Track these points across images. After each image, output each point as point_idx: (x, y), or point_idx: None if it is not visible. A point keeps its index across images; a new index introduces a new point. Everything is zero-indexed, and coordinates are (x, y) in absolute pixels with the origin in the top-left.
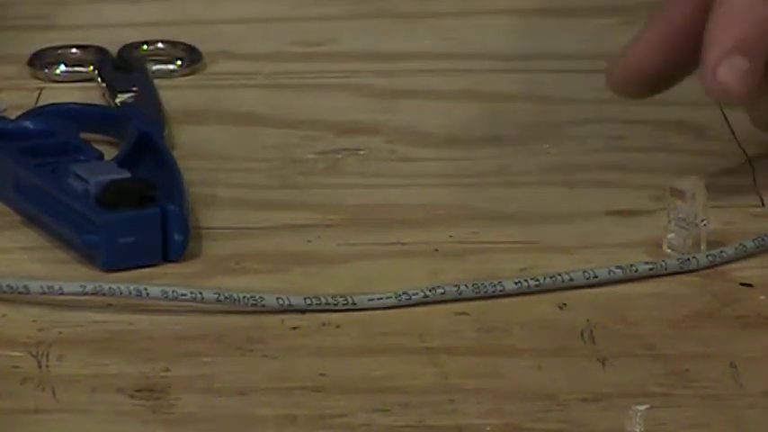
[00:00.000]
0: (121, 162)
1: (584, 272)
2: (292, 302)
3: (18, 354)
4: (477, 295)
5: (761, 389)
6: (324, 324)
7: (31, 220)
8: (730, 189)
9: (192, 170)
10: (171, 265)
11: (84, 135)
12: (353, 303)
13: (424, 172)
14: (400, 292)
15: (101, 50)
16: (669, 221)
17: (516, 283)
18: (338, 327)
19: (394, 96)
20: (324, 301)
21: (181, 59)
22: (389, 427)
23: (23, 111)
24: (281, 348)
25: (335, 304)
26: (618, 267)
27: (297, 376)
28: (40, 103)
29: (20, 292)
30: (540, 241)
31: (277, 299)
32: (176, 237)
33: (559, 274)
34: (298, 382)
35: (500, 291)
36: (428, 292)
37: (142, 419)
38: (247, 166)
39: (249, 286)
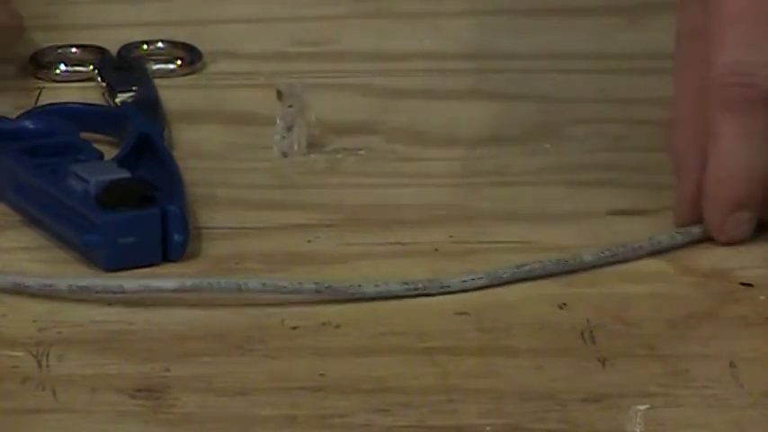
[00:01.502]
0: (121, 162)
1: (650, 239)
2: (390, 288)
3: (18, 354)
4: (561, 269)
5: (761, 389)
6: (323, 324)
7: (32, 221)
8: None
9: (191, 170)
10: (171, 265)
11: (83, 135)
12: (447, 286)
13: (423, 172)
14: (491, 272)
15: (101, 50)
16: (277, 125)
17: (594, 256)
18: (338, 327)
19: (394, 96)
20: (420, 285)
21: (181, 59)
22: (389, 428)
23: (23, 111)
24: (280, 348)
25: (429, 288)
26: (677, 233)
27: (297, 376)
28: (40, 103)
29: (114, 292)
30: (540, 241)
31: (375, 285)
32: (176, 237)
33: (632, 245)
34: (297, 382)
35: (579, 264)
36: (515, 270)
37: (142, 419)
38: (247, 166)
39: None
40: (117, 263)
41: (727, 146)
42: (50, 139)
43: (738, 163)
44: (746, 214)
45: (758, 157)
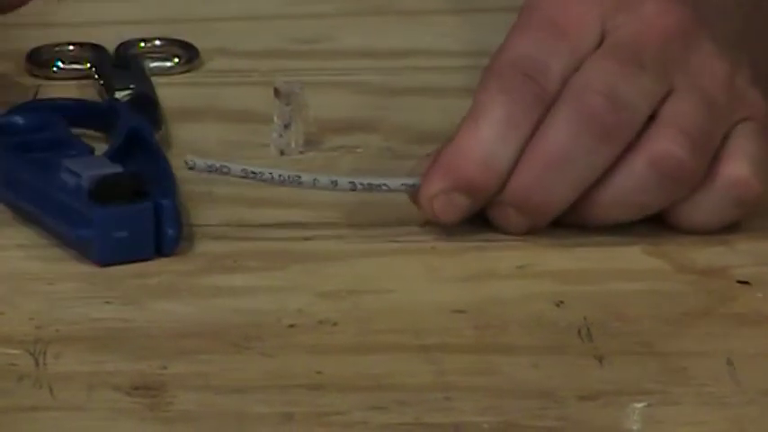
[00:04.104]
0: (112, 157)
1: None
2: None
3: (15, 351)
4: None
5: (758, 386)
6: (320, 322)
7: (25, 216)
8: None
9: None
10: (168, 262)
11: (73, 130)
12: None
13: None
14: None
15: (98, 48)
16: (275, 123)
17: None
18: (335, 324)
19: (391, 94)
20: None
21: (178, 57)
22: (386, 425)
23: (12, 106)
24: (277, 346)
25: None
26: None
27: (293, 374)
28: None
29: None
30: (537, 239)
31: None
32: (169, 231)
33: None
34: (294, 379)
35: None
36: None
37: (139, 417)
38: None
39: (246, 284)
40: (110, 257)
41: (485, 125)
42: (41, 135)
43: (484, 144)
44: (464, 199)
45: (505, 149)
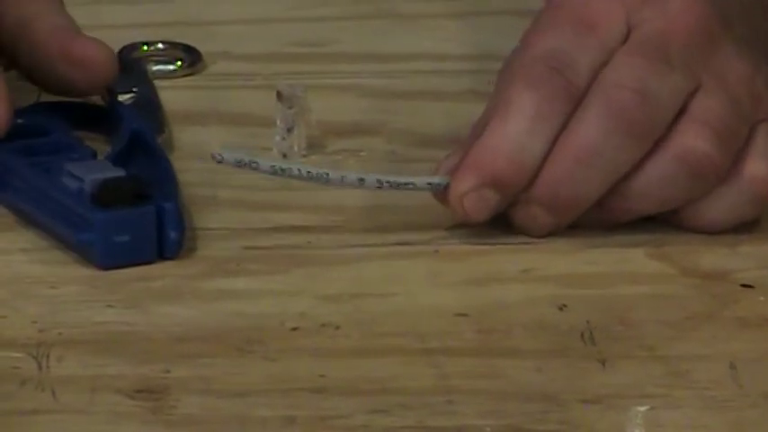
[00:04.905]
0: (114, 160)
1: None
2: None
3: (18, 355)
4: None
5: (761, 390)
6: (323, 325)
7: (27, 220)
8: None
9: (191, 171)
10: (170, 265)
11: (75, 133)
12: None
13: (424, 173)
14: None
15: None
16: (277, 126)
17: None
18: (337, 328)
19: (394, 97)
20: None
21: (181, 60)
22: (389, 429)
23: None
24: (280, 350)
25: None
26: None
27: (296, 377)
28: None
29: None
30: (540, 242)
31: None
32: (172, 234)
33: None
34: (297, 383)
35: None
36: None
37: (142, 420)
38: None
39: (249, 287)
40: (112, 261)
41: (513, 120)
42: (44, 138)
43: (513, 139)
44: (493, 195)
45: (534, 144)
